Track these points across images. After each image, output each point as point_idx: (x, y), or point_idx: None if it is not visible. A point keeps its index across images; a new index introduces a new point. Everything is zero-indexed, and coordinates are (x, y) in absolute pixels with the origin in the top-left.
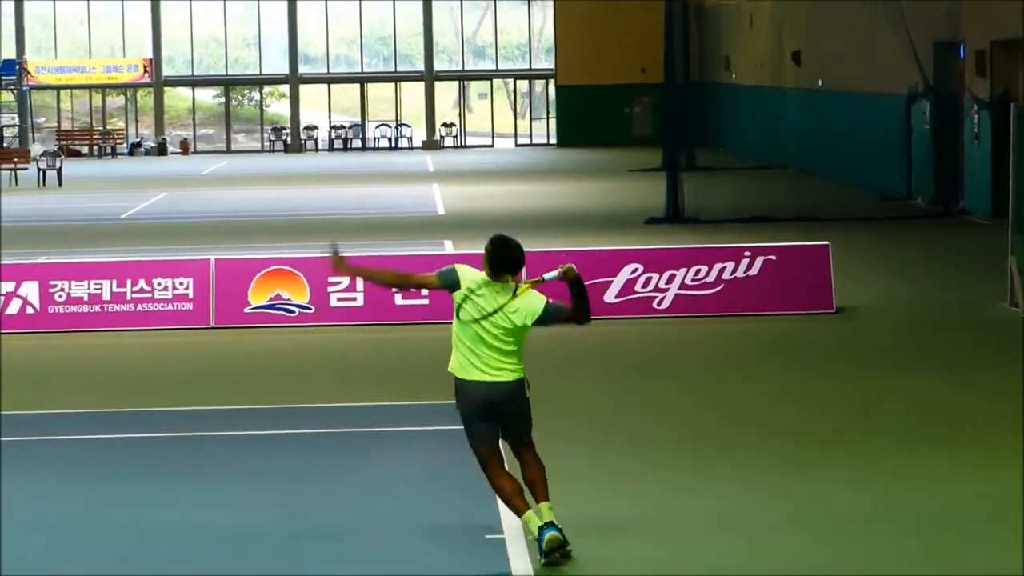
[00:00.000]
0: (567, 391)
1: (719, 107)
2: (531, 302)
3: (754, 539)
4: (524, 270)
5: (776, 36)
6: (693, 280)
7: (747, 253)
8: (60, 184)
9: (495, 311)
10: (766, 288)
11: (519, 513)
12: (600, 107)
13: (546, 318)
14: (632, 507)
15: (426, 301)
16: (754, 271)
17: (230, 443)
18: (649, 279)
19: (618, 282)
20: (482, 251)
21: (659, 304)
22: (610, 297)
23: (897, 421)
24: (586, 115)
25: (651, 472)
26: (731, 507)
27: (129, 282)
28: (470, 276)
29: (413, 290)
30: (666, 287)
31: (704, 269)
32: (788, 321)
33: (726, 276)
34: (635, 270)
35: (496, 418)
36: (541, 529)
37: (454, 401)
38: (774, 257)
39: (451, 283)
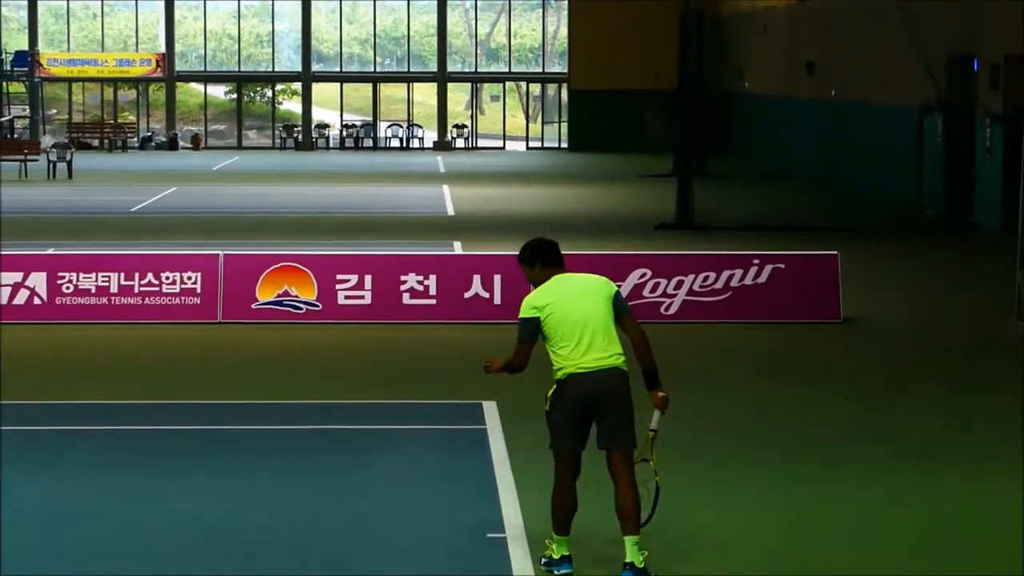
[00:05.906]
0: None
1: (731, 115)
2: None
3: (737, 554)
4: None
5: (790, 46)
6: (701, 286)
7: (756, 261)
8: (70, 176)
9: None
10: (774, 296)
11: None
12: (612, 112)
13: (617, 301)
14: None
15: (433, 301)
16: (762, 279)
17: (233, 438)
18: (657, 284)
19: (626, 286)
20: (515, 255)
21: (666, 309)
22: None
23: (900, 433)
24: (598, 120)
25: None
26: (711, 519)
27: (137, 275)
28: (534, 303)
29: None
30: (674, 293)
31: (712, 276)
32: (794, 329)
33: (734, 283)
34: (643, 275)
35: (592, 417)
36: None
37: (546, 409)
38: (783, 265)
39: (533, 331)
